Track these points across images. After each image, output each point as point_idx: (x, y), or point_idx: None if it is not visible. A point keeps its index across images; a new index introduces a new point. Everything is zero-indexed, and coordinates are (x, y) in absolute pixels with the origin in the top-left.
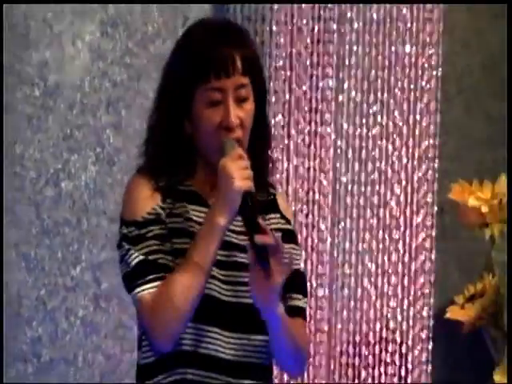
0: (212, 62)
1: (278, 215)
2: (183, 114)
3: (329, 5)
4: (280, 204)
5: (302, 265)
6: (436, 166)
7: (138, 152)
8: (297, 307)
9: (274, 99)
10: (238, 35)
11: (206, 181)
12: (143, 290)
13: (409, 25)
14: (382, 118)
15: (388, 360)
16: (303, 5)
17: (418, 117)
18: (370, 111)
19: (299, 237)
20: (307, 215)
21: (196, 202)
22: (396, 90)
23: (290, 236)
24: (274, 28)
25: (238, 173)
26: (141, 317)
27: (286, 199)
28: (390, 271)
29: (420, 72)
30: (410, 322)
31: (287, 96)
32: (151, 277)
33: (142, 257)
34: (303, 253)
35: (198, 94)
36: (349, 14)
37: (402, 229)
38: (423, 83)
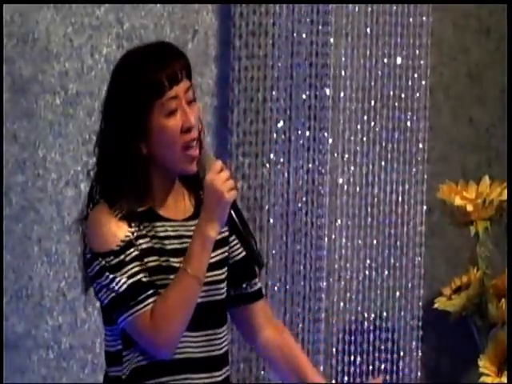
0: (165, 76)
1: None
2: (139, 136)
3: (326, 20)
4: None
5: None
6: (425, 168)
7: (92, 175)
8: (259, 290)
9: (275, 107)
10: (173, 48)
11: (163, 197)
12: (137, 311)
13: (399, 39)
14: (375, 124)
15: (381, 347)
16: (302, 20)
17: (408, 123)
18: (365, 118)
19: (299, 234)
20: (306, 214)
21: (156, 219)
22: (388, 99)
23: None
24: (276, 42)
25: (224, 185)
26: (138, 334)
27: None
28: (382, 265)
29: (410, 82)
30: (402, 312)
31: (288, 104)
32: (143, 296)
33: (128, 280)
34: (303, 248)
35: (156, 108)
36: (344, 29)
37: (394, 226)
38: (413, 92)
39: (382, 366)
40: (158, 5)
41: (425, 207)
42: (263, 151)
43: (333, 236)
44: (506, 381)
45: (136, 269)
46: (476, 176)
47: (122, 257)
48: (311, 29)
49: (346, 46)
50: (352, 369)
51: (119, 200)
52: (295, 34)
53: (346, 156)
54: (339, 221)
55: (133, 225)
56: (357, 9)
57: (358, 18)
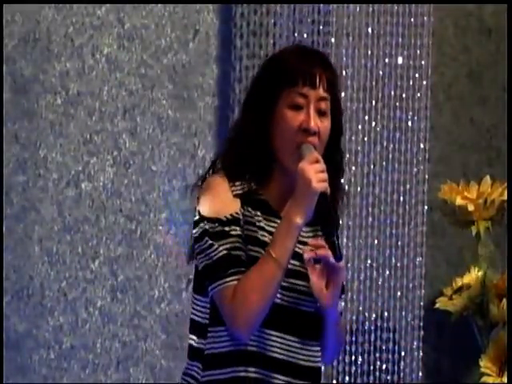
0: (302, 70)
1: None
2: (267, 115)
3: (327, 20)
4: None
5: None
6: (426, 168)
7: (218, 150)
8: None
9: None
10: (325, 58)
11: (279, 192)
12: (225, 283)
13: (400, 39)
14: (376, 124)
15: (383, 347)
16: (303, 20)
17: (409, 123)
18: (366, 118)
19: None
20: None
21: (268, 212)
22: (389, 99)
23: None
24: (277, 41)
25: (316, 176)
26: (221, 307)
27: None
28: (383, 265)
29: (411, 82)
30: (403, 312)
31: None
32: (233, 270)
33: (225, 252)
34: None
35: (284, 95)
36: (345, 29)
37: (395, 226)
38: (414, 92)
39: (383, 366)
40: (159, 5)
41: (426, 207)
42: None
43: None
44: (506, 381)
45: (236, 244)
46: (476, 176)
47: (227, 229)
48: (312, 29)
49: (347, 46)
50: (353, 369)
51: (239, 179)
52: (296, 34)
53: (347, 156)
54: (340, 221)
55: (245, 208)
56: (358, 9)
57: (359, 18)
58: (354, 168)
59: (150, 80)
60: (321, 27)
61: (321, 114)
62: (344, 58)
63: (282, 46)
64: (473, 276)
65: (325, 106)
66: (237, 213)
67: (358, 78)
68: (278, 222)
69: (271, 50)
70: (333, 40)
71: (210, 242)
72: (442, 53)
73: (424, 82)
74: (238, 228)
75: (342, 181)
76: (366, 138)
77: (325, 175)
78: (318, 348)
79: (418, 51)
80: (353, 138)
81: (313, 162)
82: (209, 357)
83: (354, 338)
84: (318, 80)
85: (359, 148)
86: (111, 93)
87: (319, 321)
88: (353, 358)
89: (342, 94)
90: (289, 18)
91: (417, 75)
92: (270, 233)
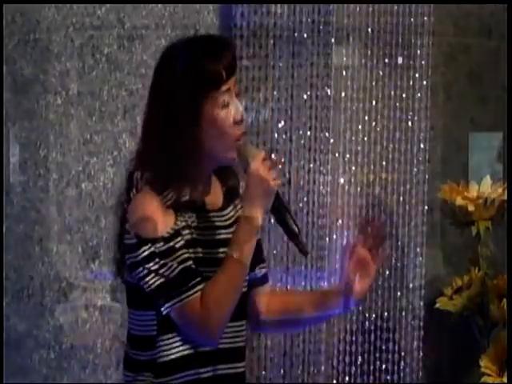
0: (222, 65)
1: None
2: (193, 126)
3: (327, 20)
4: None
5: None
6: (426, 168)
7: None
8: (266, 274)
9: (276, 106)
10: (226, 40)
11: (203, 187)
12: (188, 296)
13: (400, 39)
14: (376, 124)
15: (383, 347)
16: (304, 20)
17: (409, 123)
18: (366, 118)
19: (300, 234)
20: (307, 214)
21: (199, 209)
22: (389, 99)
23: None
24: (277, 42)
25: (270, 174)
26: (188, 320)
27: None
28: (383, 265)
29: (411, 82)
30: (403, 312)
31: (289, 103)
32: (193, 282)
33: (179, 266)
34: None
35: (210, 99)
36: (345, 29)
37: (395, 226)
38: (414, 92)
39: (383, 366)
40: (159, 5)
41: (426, 207)
42: (264, 151)
43: (334, 236)
44: (506, 381)
45: (185, 255)
46: (477, 176)
47: (172, 244)
48: (312, 29)
49: (347, 46)
50: (353, 369)
51: (167, 188)
52: (296, 34)
53: (347, 156)
54: (340, 221)
55: (179, 214)
56: (358, 9)
57: (359, 18)
58: (353, 168)
59: (150, 80)
60: (321, 27)
61: (238, 96)
62: (344, 58)
63: (280, 46)
64: (473, 276)
65: (238, 87)
66: (176, 223)
67: (357, 78)
68: (211, 214)
69: (271, 50)
70: (333, 40)
71: (162, 261)
72: (441, 53)
73: (424, 82)
74: (179, 239)
75: None
76: (365, 138)
77: (275, 172)
78: (245, 326)
79: (418, 51)
80: (353, 138)
81: (262, 160)
82: (161, 365)
83: (354, 338)
84: (233, 65)
85: (359, 148)
86: (111, 93)
87: (246, 297)
88: (353, 358)
89: (342, 94)
90: (289, 18)
91: (417, 75)
92: (202, 228)
